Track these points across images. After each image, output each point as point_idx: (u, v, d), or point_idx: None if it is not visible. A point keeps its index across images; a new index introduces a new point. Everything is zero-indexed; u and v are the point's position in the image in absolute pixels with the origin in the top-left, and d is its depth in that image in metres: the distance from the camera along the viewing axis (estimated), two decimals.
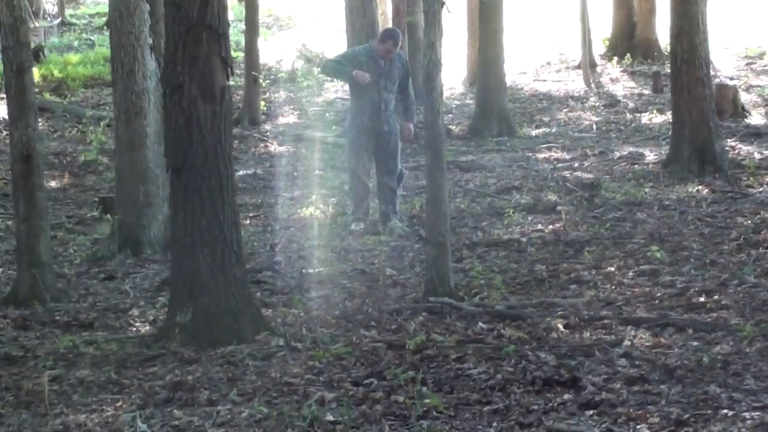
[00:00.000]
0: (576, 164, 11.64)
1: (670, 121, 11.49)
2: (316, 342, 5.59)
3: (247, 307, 5.74)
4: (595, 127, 14.19)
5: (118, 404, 4.79)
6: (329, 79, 16.09)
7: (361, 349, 5.40)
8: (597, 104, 15.87)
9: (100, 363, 5.43)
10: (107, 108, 14.95)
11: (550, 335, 5.60)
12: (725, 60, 17.92)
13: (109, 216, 8.72)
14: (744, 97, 14.67)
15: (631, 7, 18.82)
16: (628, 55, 18.29)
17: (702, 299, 6.22)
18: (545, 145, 12.94)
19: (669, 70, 12.24)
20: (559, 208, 9.03)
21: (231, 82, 5.81)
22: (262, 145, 13.98)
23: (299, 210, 9.75)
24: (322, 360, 5.24)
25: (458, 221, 8.88)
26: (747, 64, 17.98)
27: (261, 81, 15.83)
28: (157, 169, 8.18)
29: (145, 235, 8.31)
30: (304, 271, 7.47)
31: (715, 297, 6.22)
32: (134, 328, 6.32)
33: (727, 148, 11.13)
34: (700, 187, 9.87)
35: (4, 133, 13.49)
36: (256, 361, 5.31)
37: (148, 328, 6.27)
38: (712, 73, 11.41)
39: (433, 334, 5.62)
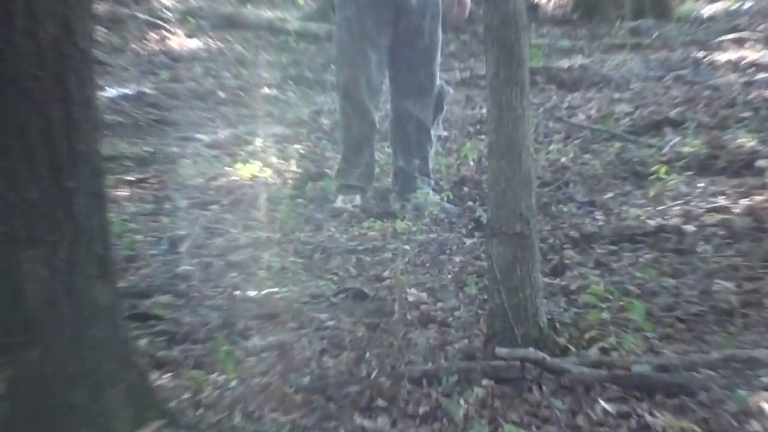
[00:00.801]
0: None
1: None
2: None
3: (120, 368, 5.42)
4: None
5: None
6: None
7: None
8: None
9: None
10: None
11: (747, 426, 5.34)
12: None
13: None
14: None
15: None
16: None
17: None
18: (729, 36, 12.91)
19: None
20: (760, 163, 8.85)
21: None
22: (155, 34, 14.06)
23: (229, 168, 9.81)
24: None
25: (555, 190, 8.87)
26: None
27: None
28: None
29: None
30: (238, 293, 7.29)
31: None
32: None
33: None
34: None
35: None
36: None
37: None
38: None
39: (507, 423, 5.36)
